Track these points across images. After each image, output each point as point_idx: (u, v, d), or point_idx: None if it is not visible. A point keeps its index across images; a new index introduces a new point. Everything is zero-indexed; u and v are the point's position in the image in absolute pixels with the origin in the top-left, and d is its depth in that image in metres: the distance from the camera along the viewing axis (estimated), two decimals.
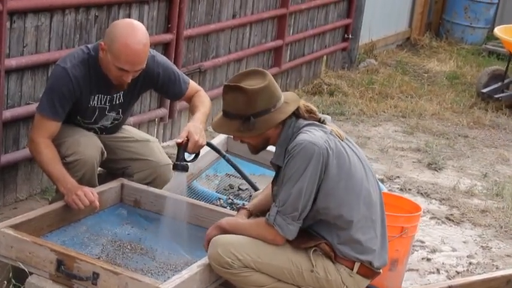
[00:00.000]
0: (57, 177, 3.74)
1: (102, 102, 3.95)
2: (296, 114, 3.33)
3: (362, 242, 3.28)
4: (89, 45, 3.90)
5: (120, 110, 4.07)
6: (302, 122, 3.31)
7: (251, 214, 3.60)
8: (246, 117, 3.24)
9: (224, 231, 3.42)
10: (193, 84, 4.18)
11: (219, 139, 4.83)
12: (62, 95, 3.77)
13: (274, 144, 3.39)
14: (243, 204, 3.93)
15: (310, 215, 3.27)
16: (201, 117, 3.95)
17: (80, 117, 3.95)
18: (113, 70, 3.75)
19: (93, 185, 3.88)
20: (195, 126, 3.81)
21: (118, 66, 3.71)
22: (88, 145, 3.83)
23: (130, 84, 3.89)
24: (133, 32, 3.71)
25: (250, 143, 3.39)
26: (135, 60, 3.71)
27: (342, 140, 3.32)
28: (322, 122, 3.35)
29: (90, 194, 3.70)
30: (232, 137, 3.48)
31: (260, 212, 3.56)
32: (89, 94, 3.87)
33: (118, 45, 3.68)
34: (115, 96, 3.96)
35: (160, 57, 4.05)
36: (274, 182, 3.38)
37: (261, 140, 3.35)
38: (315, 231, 3.31)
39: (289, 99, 3.33)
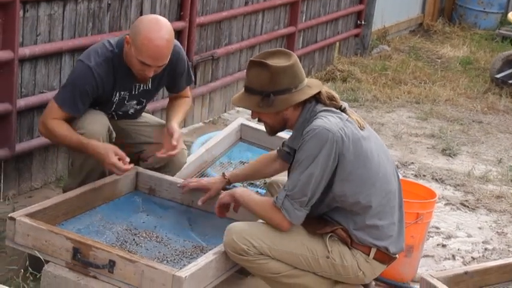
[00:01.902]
0: (81, 146, 3.73)
1: (124, 100, 3.97)
2: (317, 99, 3.33)
3: (379, 228, 3.28)
4: (112, 41, 3.88)
5: (142, 103, 4.10)
6: (320, 107, 3.31)
7: (229, 182, 3.78)
8: (267, 93, 3.25)
9: (235, 200, 3.46)
10: (188, 88, 4.25)
11: (232, 127, 4.82)
12: (85, 93, 3.77)
13: (291, 128, 3.39)
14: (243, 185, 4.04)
15: (326, 202, 3.26)
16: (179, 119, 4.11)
17: (99, 107, 3.95)
18: (136, 64, 3.74)
19: (99, 165, 3.85)
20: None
21: (140, 59, 3.70)
22: (94, 122, 3.81)
23: (153, 80, 3.92)
24: (158, 27, 3.70)
25: (268, 122, 3.38)
26: (157, 55, 3.70)
27: (362, 129, 3.31)
28: (343, 109, 3.34)
29: (122, 163, 3.71)
30: (250, 115, 3.47)
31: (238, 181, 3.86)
32: (111, 91, 3.88)
33: (141, 39, 3.67)
34: (135, 91, 3.98)
35: (183, 53, 4.05)
36: (291, 167, 3.38)
37: (279, 120, 3.35)
38: (331, 217, 3.31)
39: (312, 84, 3.34)
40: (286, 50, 3.39)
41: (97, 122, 3.83)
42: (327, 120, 3.21)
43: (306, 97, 3.28)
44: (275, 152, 3.74)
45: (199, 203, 3.81)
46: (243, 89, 3.36)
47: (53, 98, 3.84)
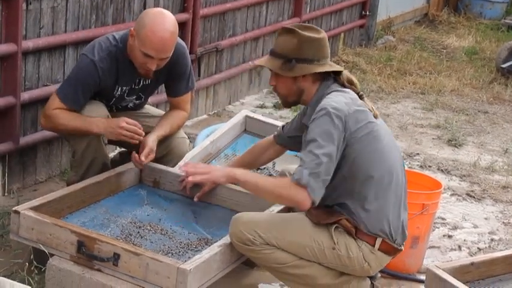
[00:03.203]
0: (86, 126, 3.77)
1: (125, 95, 3.98)
2: (336, 79, 3.38)
3: (384, 217, 3.26)
4: (117, 35, 3.90)
5: (141, 98, 4.11)
6: (336, 86, 3.36)
7: None
8: (290, 59, 3.32)
9: (234, 181, 3.41)
10: (188, 97, 4.21)
11: (236, 119, 4.81)
12: (87, 87, 3.80)
13: (305, 104, 3.44)
14: None
15: (335, 184, 3.23)
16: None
17: (98, 98, 3.95)
18: (138, 56, 3.76)
19: (101, 154, 3.89)
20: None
21: (143, 51, 3.72)
22: (93, 111, 3.84)
23: (154, 77, 3.91)
24: (162, 20, 3.73)
25: (283, 91, 3.42)
26: (160, 47, 3.71)
27: (375, 117, 3.32)
28: (360, 95, 3.37)
29: (132, 126, 3.79)
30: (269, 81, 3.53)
31: None
32: (113, 85, 3.90)
33: (145, 31, 3.70)
34: (135, 86, 3.97)
35: (186, 53, 4.06)
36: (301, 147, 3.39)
37: (295, 89, 3.39)
38: (337, 204, 3.29)
39: (334, 65, 3.41)
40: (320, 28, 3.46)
41: (99, 110, 3.86)
42: (337, 99, 3.24)
43: (326, 70, 3.34)
44: (268, 139, 3.78)
45: (195, 199, 3.86)
46: (268, 53, 3.43)
47: (54, 92, 3.85)
